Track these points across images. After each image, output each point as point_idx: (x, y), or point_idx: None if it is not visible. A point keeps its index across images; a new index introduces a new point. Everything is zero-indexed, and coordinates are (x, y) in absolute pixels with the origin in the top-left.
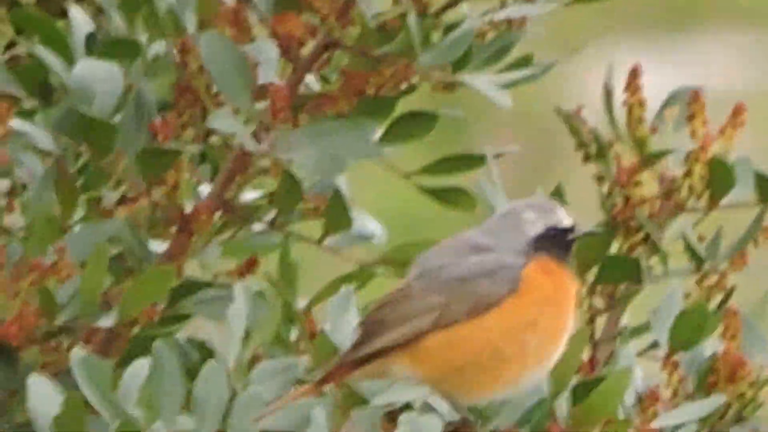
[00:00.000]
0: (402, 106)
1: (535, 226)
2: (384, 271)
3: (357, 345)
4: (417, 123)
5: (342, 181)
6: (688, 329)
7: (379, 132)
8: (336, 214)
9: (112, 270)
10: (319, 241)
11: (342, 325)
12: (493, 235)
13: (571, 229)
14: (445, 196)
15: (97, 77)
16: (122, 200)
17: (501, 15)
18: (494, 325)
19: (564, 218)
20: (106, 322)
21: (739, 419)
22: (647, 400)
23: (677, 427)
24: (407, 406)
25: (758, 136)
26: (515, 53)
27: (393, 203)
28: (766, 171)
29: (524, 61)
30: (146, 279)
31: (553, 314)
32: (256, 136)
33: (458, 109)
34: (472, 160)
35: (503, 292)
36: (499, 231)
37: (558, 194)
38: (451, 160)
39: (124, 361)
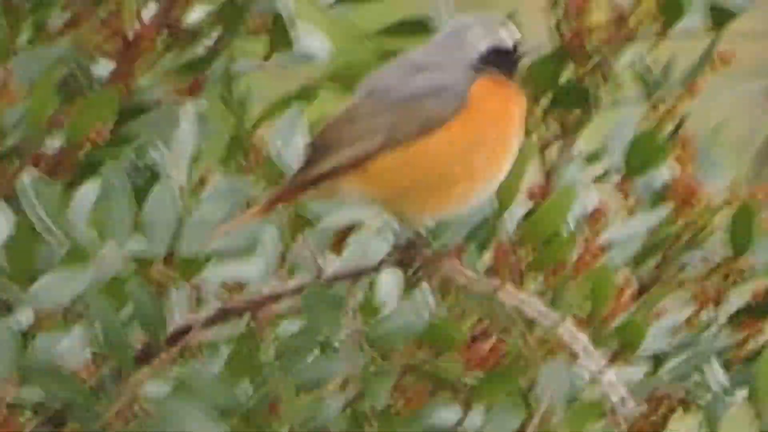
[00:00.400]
0: None
1: (482, 43)
2: (330, 87)
3: (306, 166)
4: None
5: (284, 2)
6: (640, 155)
7: None
8: (278, 34)
9: (58, 93)
10: (264, 59)
11: (290, 145)
12: (440, 54)
13: (517, 46)
14: (402, 28)
15: None
16: (68, 23)
17: None
18: (442, 143)
19: (510, 35)
20: (53, 146)
21: (691, 246)
22: (594, 216)
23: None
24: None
25: None
26: None
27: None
28: None
29: None
30: (92, 102)
31: (500, 131)
32: None
33: None
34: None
35: (450, 111)
36: (445, 49)
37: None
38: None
39: (73, 185)
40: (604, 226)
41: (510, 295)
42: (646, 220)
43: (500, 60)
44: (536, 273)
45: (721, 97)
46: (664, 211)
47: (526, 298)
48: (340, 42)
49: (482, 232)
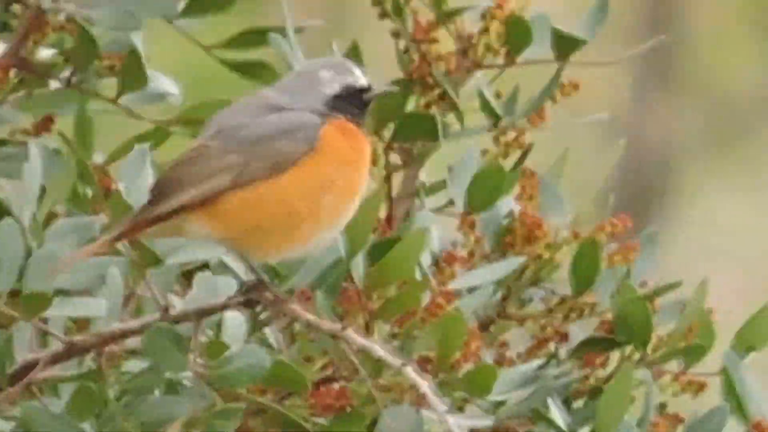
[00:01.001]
0: None
1: (332, 86)
2: (179, 130)
3: (153, 202)
4: None
5: (138, 41)
6: (484, 189)
7: (181, 3)
8: (132, 71)
9: None
10: (115, 99)
11: (137, 183)
12: (291, 94)
13: (367, 89)
14: (247, 68)
15: None
16: None
17: None
18: (292, 183)
19: (360, 77)
20: None
21: (536, 281)
22: (444, 261)
23: (474, 288)
24: (205, 266)
25: None
26: None
27: (189, 63)
28: (564, 25)
29: None
30: None
31: (348, 174)
32: None
33: None
34: (272, 32)
35: (302, 151)
36: (296, 90)
37: (354, 51)
38: (251, 32)
39: None
40: (455, 271)
41: (356, 335)
42: (499, 269)
43: (350, 102)
44: (387, 317)
45: (568, 125)
46: (517, 260)
47: (368, 343)
48: (187, 59)
49: (333, 274)
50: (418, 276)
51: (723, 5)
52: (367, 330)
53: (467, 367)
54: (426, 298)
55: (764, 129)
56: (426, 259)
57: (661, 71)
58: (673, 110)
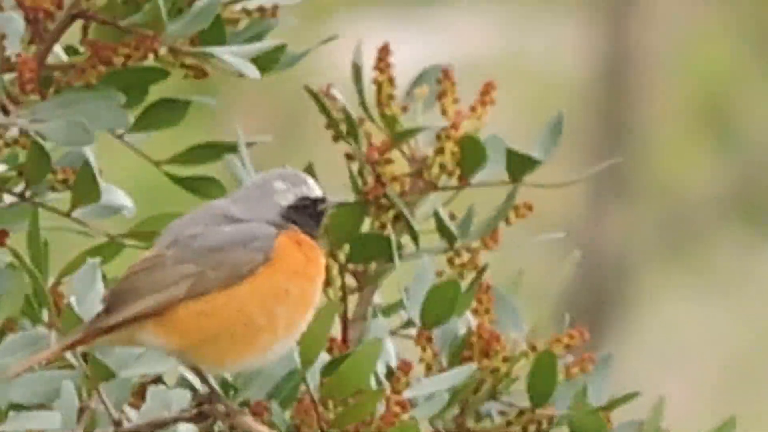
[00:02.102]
0: (155, 94)
1: (287, 196)
2: (133, 243)
3: (108, 311)
4: (169, 110)
5: (91, 154)
6: (439, 304)
7: (131, 117)
8: (85, 185)
9: None
10: (68, 213)
11: (88, 297)
12: (245, 205)
13: (321, 200)
14: (195, 185)
15: None
16: None
17: (253, 3)
18: (248, 294)
19: (314, 188)
20: None
21: (494, 394)
22: (399, 371)
23: (430, 399)
24: (158, 378)
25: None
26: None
27: (141, 175)
28: (518, 145)
29: (277, 52)
30: None
31: (303, 284)
32: (3, 108)
33: (210, 96)
34: (222, 148)
35: (257, 261)
36: (250, 201)
37: (309, 173)
38: (201, 147)
39: None
40: (410, 380)
41: None
42: (451, 378)
43: (304, 214)
44: (340, 429)
45: (522, 245)
46: (470, 368)
47: None
48: (137, 172)
49: (288, 385)
50: (373, 385)
51: (673, 114)
52: None
53: None
54: (381, 408)
55: (716, 231)
56: (381, 371)
57: (616, 180)
58: (627, 218)
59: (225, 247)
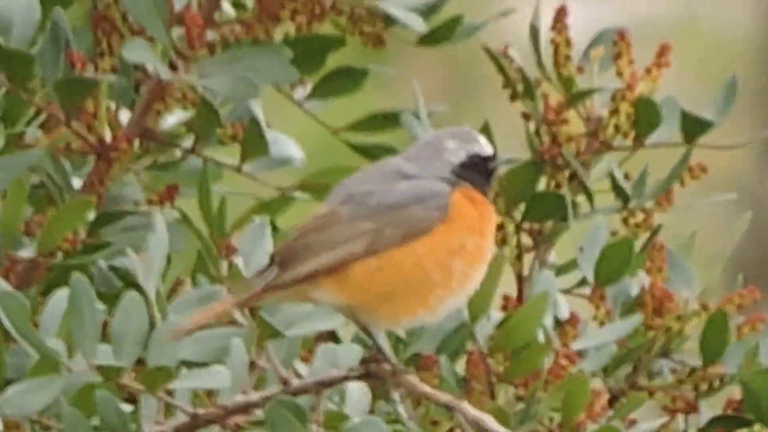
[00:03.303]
0: (332, 62)
1: (459, 154)
2: (303, 196)
3: (280, 269)
4: (347, 78)
5: (259, 109)
6: (613, 262)
7: (308, 88)
8: (253, 139)
9: (32, 200)
10: (238, 167)
11: (256, 254)
12: (417, 163)
13: (491, 158)
14: (374, 152)
15: (14, 8)
16: (43, 129)
17: None
18: (425, 251)
19: (485, 146)
20: (27, 252)
21: (665, 353)
22: (567, 324)
23: (598, 351)
24: (331, 334)
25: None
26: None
27: (315, 144)
28: (689, 107)
29: (453, 23)
30: (66, 209)
31: (477, 240)
32: (172, 64)
33: (387, 65)
34: (398, 116)
35: (434, 219)
36: (422, 158)
37: (485, 132)
38: (379, 116)
39: (48, 290)
40: (578, 333)
41: (469, 407)
42: (618, 329)
43: (476, 171)
44: (509, 382)
45: (695, 206)
46: (636, 320)
47: (480, 415)
48: (313, 138)
49: (456, 339)
50: (540, 339)
51: None
52: (492, 394)
53: (592, 428)
54: (550, 362)
55: None
56: (549, 323)
57: None
58: None
59: (402, 205)
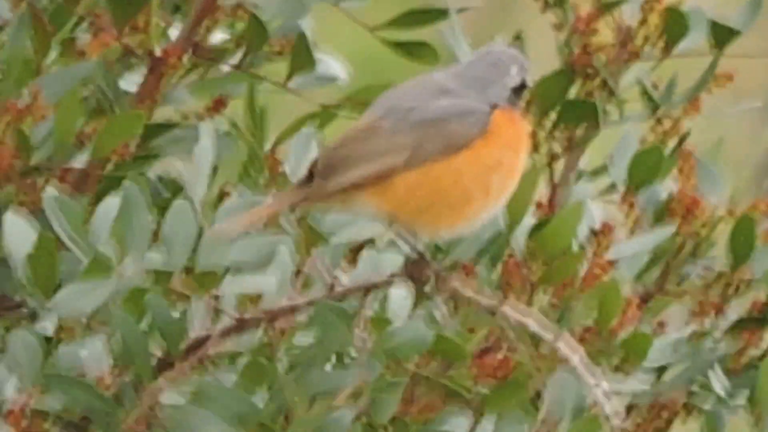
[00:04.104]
0: None
1: (515, 80)
2: (346, 113)
3: (324, 177)
4: None
5: (306, 25)
6: (643, 168)
7: None
8: (300, 55)
9: (85, 110)
10: (284, 83)
11: (303, 164)
12: (465, 81)
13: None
14: (409, 49)
15: None
16: (96, 42)
17: None
18: (465, 165)
19: (528, 74)
20: (80, 161)
21: (693, 257)
22: (601, 233)
23: (631, 259)
24: (370, 242)
25: None
26: None
27: (357, 47)
28: (720, 18)
29: None
30: (118, 120)
31: (512, 157)
32: None
33: None
34: (435, 14)
35: (474, 134)
36: (477, 78)
37: (518, 42)
38: (414, 13)
39: (98, 199)
40: (611, 241)
41: (512, 310)
42: (653, 237)
43: (516, 94)
44: (546, 287)
45: (723, 114)
46: (670, 228)
47: (526, 313)
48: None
49: (493, 247)
50: (575, 247)
51: None
52: (528, 301)
53: (624, 334)
54: (584, 269)
55: None
56: (583, 231)
57: None
58: None
59: (442, 120)
